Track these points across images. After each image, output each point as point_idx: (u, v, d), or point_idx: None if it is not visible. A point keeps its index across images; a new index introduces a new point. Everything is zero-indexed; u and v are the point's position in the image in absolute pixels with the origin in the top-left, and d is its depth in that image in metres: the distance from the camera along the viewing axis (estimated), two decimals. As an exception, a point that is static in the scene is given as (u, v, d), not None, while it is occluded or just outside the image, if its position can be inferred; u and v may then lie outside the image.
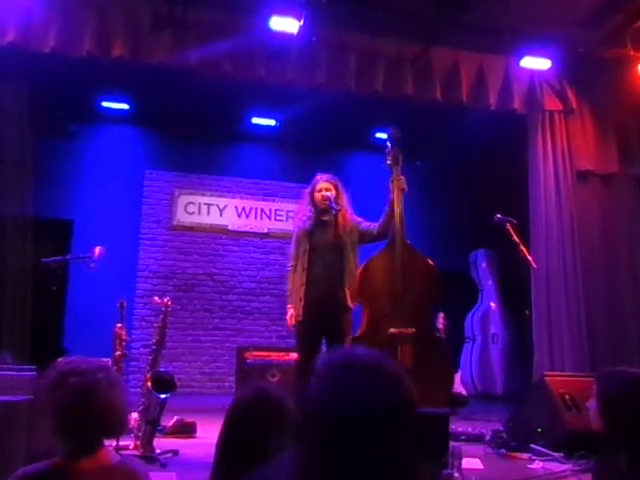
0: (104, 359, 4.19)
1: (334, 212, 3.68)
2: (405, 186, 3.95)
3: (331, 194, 3.80)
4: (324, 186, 3.85)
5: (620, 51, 5.28)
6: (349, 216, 3.87)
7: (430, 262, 4.11)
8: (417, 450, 0.91)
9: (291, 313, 3.78)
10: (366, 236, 3.93)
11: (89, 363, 1.43)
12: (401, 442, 0.89)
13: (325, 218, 3.86)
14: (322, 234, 3.82)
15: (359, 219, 3.97)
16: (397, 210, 3.94)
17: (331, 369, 0.93)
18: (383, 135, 6.95)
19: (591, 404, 2.01)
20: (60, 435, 1.38)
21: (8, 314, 4.68)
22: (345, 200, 3.90)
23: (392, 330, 3.87)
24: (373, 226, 3.95)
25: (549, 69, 5.34)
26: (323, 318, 3.71)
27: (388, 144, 4.08)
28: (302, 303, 3.75)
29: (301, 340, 3.83)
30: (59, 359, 1.48)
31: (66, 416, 1.37)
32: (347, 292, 3.71)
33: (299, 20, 4.58)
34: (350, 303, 3.69)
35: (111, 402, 1.40)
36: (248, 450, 1.39)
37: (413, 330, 3.88)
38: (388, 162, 4.01)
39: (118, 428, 1.48)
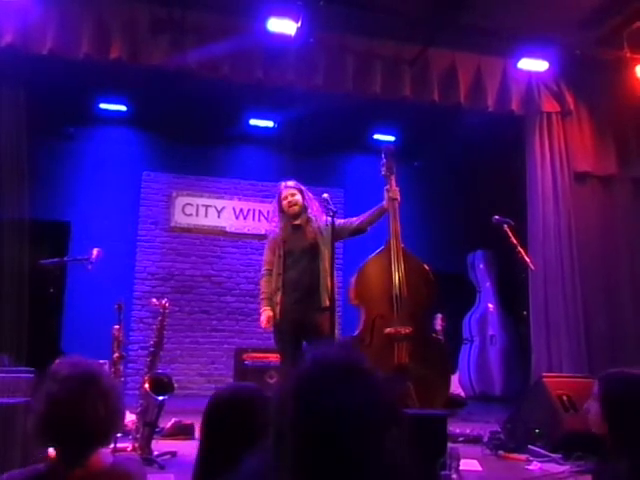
0: (102, 361, 4.21)
1: (332, 213, 3.68)
2: (398, 197, 4.10)
3: (297, 198, 3.91)
4: (289, 192, 3.95)
5: (617, 53, 5.29)
6: (320, 218, 3.91)
7: (425, 266, 4.19)
8: (408, 451, 0.90)
9: (268, 315, 3.79)
10: (343, 231, 3.97)
11: (78, 369, 1.37)
12: (385, 444, 0.87)
13: (297, 222, 3.92)
14: (296, 239, 3.87)
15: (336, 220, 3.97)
16: (392, 219, 4.07)
17: (303, 372, 0.93)
18: (381, 137, 6.98)
19: (591, 405, 1.99)
20: (45, 444, 1.35)
21: (6, 316, 4.67)
22: (313, 203, 3.96)
23: (388, 330, 3.94)
24: (351, 221, 4.02)
25: (546, 71, 5.36)
26: (300, 321, 3.74)
27: (383, 157, 4.19)
28: (278, 307, 3.78)
29: (282, 344, 3.86)
30: (55, 362, 1.43)
31: (50, 426, 1.32)
32: (324, 294, 3.73)
33: (297, 22, 4.59)
34: (327, 303, 3.69)
35: (101, 413, 1.34)
36: (226, 449, 1.39)
37: (410, 329, 3.92)
38: (383, 173, 4.16)
39: (109, 438, 1.41)
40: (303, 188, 4.01)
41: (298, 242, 3.86)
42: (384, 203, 4.05)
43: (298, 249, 3.84)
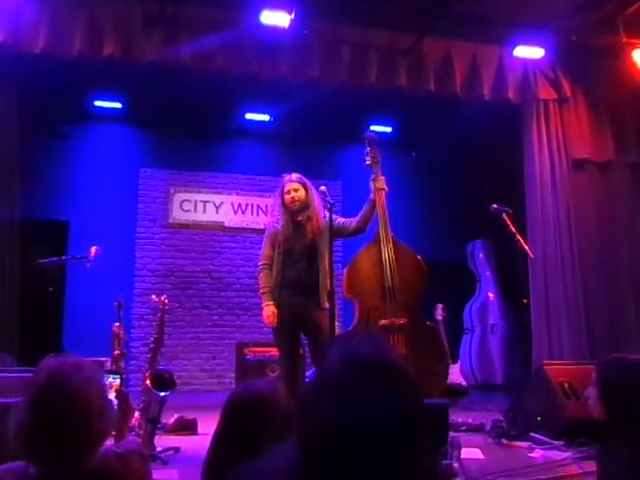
0: (103, 358, 4.22)
1: (330, 205, 3.65)
2: (385, 186, 3.98)
3: (300, 194, 3.77)
4: (292, 187, 3.79)
5: (613, 38, 5.27)
6: (321, 215, 3.80)
7: (415, 254, 4.17)
8: (422, 446, 0.87)
9: (273, 310, 3.68)
10: (342, 232, 3.87)
11: (54, 387, 1.28)
12: (408, 441, 0.85)
13: (299, 218, 3.79)
14: (297, 238, 3.75)
15: (335, 217, 3.85)
16: (379, 209, 3.96)
17: (332, 368, 0.89)
18: (378, 128, 6.95)
19: (590, 392, 1.99)
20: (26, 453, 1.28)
21: (4, 316, 4.68)
22: (316, 199, 3.81)
23: (383, 322, 3.92)
24: (350, 221, 3.89)
25: (542, 58, 5.33)
26: (299, 315, 3.69)
27: (366, 145, 4.09)
28: (275, 304, 3.71)
29: (280, 338, 3.79)
30: (36, 370, 1.34)
31: (25, 443, 1.26)
32: (323, 295, 3.66)
33: (290, 14, 4.56)
34: (325, 304, 3.63)
35: (79, 432, 1.26)
36: (243, 448, 1.39)
37: (404, 320, 3.91)
38: (367, 162, 4.05)
39: (94, 448, 1.32)
40: (307, 182, 3.85)
41: (298, 241, 3.75)
42: (371, 195, 3.93)
43: (298, 249, 3.75)
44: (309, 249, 3.75)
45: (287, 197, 3.79)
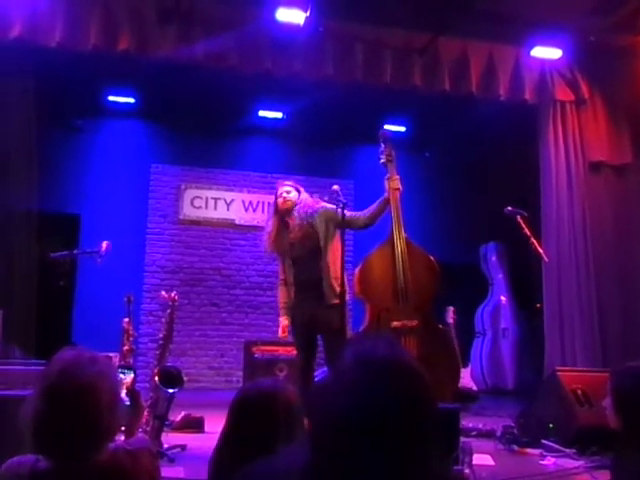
0: (112, 354, 4.21)
1: (342, 205, 3.61)
2: (400, 186, 3.96)
3: (291, 196, 3.84)
4: (285, 189, 3.89)
5: (632, 39, 5.20)
6: (308, 205, 3.82)
7: (428, 255, 4.12)
8: (434, 449, 0.87)
9: (283, 325, 3.81)
10: (350, 225, 3.87)
11: (68, 379, 1.28)
12: (419, 443, 0.85)
13: (287, 219, 3.84)
14: (294, 244, 3.80)
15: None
16: (394, 209, 3.95)
17: (346, 369, 0.89)
18: (391, 128, 6.90)
19: (607, 402, 1.96)
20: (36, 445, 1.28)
21: (16, 308, 4.69)
22: (306, 201, 3.87)
23: (395, 323, 3.88)
24: (358, 215, 3.88)
25: (560, 58, 5.26)
26: (310, 316, 3.71)
27: (381, 143, 4.07)
28: (293, 312, 3.81)
29: (295, 340, 3.89)
30: (50, 362, 1.34)
31: (37, 435, 1.27)
32: (328, 292, 3.65)
33: (305, 11, 4.53)
34: (333, 301, 3.61)
35: (91, 424, 1.27)
36: (250, 447, 1.37)
37: (416, 322, 3.87)
38: (382, 161, 4.03)
39: (105, 441, 1.33)
40: (301, 188, 3.95)
41: (298, 245, 3.78)
42: (386, 194, 3.92)
43: (301, 253, 3.78)
44: (310, 247, 3.76)
45: (279, 200, 3.89)
